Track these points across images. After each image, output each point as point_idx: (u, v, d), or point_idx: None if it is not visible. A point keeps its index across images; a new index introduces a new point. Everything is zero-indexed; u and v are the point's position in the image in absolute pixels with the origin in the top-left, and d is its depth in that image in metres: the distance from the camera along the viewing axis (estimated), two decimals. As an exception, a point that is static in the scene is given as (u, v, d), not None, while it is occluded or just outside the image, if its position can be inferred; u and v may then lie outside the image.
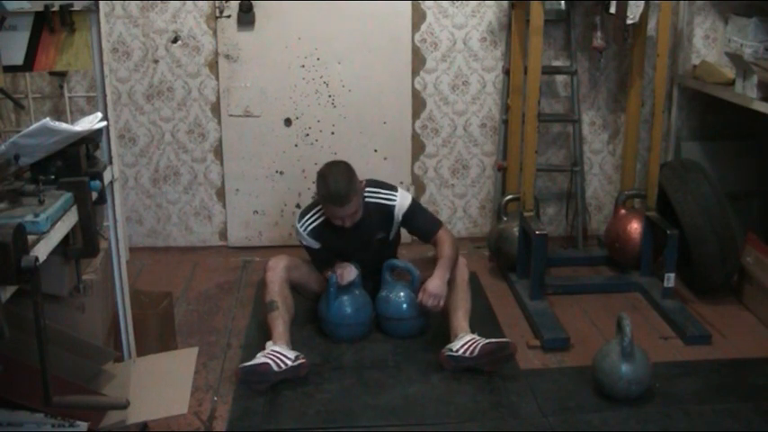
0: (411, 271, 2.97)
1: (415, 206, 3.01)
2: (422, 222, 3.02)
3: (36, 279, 1.55)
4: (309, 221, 2.97)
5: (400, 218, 2.97)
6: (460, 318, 2.85)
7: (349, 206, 2.80)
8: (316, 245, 2.99)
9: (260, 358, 2.62)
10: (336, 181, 2.79)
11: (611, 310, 3.19)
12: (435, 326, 3.06)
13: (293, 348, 2.72)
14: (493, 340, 2.72)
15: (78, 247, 1.99)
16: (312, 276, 3.06)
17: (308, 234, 2.96)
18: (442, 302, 2.83)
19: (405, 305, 2.96)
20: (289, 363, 2.62)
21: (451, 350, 2.74)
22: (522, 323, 3.13)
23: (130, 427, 2.11)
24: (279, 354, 2.63)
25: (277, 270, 2.89)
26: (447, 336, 2.85)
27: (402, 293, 2.97)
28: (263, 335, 3.00)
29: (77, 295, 2.20)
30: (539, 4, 3.11)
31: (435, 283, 2.82)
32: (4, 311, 1.49)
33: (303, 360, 2.66)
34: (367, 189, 2.95)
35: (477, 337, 2.75)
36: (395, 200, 2.96)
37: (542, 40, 3.19)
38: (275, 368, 2.58)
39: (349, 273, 2.96)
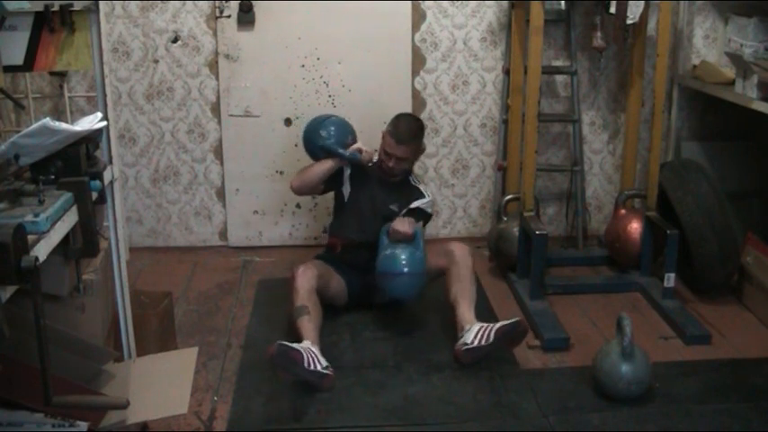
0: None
1: (426, 217, 3.23)
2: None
3: (36, 279, 1.55)
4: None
5: (413, 207, 3.18)
6: (466, 309, 2.87)
7: (402, 148, 3.12)
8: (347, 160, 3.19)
9: (297, 346, 2.58)
10: (408, 123, 3.18)
11: (611, 310, 3.19)
12: (435, 325, 3.07)
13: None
14: (505, 322, 2.76)
15: (78, 247, 1.98)
16: (331, 282, 3.07)
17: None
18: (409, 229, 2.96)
19: (413, 257, 2.91)
20: (318, 368, 2.58)
21: (466, 343, 2.74)
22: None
23: (130, 427, 2.11)
24: (314, 355, 2.60)
25: (307, 277, 2.89)
26: (452, 330, 2.87)
27: (406, 248, 2.93)
28: (263, 335, 3.01)
29: (77, 295, 2.20)
30: (539, 4, 3.11)
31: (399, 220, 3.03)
32: (4, 311, 1.49)
33: (330, 373, 2.61)
34: (417, 179, 3.34)
35: (487, 324, 2.78)
36: (428, 198, 3.24)
37: (542, 40, 3.19)
38: (305, 365, 2.54)
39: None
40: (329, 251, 3.27)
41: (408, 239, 2.94)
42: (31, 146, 1.85)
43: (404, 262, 2.90)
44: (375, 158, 3.25)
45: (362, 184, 3.24)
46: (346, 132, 3.25)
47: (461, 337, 2.79)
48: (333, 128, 3.22)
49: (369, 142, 3.28)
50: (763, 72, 3.11)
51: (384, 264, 2.94)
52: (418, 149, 3.23)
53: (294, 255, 3.77)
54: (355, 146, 3.20)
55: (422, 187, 3.29)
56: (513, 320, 2.77)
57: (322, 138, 3.19)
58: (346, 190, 3.25)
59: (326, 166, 3.18)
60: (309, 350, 2.60)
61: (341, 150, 3.17)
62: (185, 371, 2.44)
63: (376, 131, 3.22)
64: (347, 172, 3.24)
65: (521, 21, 3.57)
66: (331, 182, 3.23)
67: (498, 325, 2.75)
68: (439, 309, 3.10)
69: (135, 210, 3.92)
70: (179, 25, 3.69)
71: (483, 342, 2.72)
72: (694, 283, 3.39)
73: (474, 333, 2.75)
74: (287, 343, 2.56)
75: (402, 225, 2.96)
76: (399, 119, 3.20)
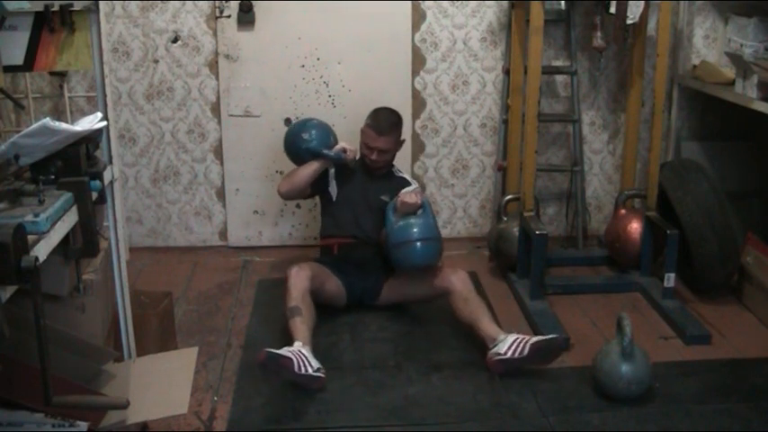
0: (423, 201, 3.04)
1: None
2: None
3: (36, 279, 1.55)
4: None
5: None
6: (487, 323, 2.84)
7: (383, 140, 3.17)
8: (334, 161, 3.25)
9: (286, 352, 2.57)
10: (386, 115, 3.22)
11: (611, 310, 3.19)
12: (435, 325, 3.07)
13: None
14: (541, 338, 2.74)
15: (78, 247, 1.99)
16: (327, 283, 3.06)
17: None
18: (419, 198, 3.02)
19: (426, 224, 2.97)
20: (310, 370, 2.56)
21: (499, 353, 2.70)
22: (522, 323, 3.13)
23: (130, 427, 2.11)
24: (305, 357, 2.58)
25: (300, 278, 2.88)
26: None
27: (418, 218, 2.98)
28: (263, 335, 3.01)
29: (77, 295, 2.20)
30: (539, 4, 3.11)
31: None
32: (4, 311, 1.49)
33: (322, 375, 2.61)
34: (400, 170, 3.39)
35: (522, 336, 2.75)
36: (414, 185, 3.26)
37: (542, 40, 3.19)
38: (296, 369, 2.53)
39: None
40: (325, 254, 3.26)
41: (417, 209, 2.99)
42: (31, 146, 1.85)
43: (417, 230, 2.95)
44: (358, 156, 3.30)
45: (349, 181, 3.28)
46: (328, 134, 3.32)
47: (494, 347, 2.74)
48: (314, 131, 3.29)
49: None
50: (763, 72, 3.11)
51: (398, 234, 2.97)
52: (398, 140, 3.27)
53: (294, 255, 3.77)
54: (339, 145, 3.25)
55: (406, 176, 3.36)
56: (549, 337, 2.75)
57: (305, 141, 3.26)
58: (333, 190, 3.27)
59: (313, 167, 3.22)
60: (299, 353, 2.58)
61: (326, 150, 3.21)
62: (185, 371, 2.45)
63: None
64: (332, 172, 3.27)
65: (521, 21, 3.57)
66: (316, 184, 3.26)
67: (534, 339, 2.72)
68: (439, 311, 3.10)
69: (135, 210, 3.91)
70: (179, 25, 3.69)
71: (517, 355, 2.68)
72: (694, 283, 3.38)
73: (508, 344, 2.71)
74: (275, 350, 2.54)
75: (410, 197, 3.01)
76: (377, 112, 3.25)
